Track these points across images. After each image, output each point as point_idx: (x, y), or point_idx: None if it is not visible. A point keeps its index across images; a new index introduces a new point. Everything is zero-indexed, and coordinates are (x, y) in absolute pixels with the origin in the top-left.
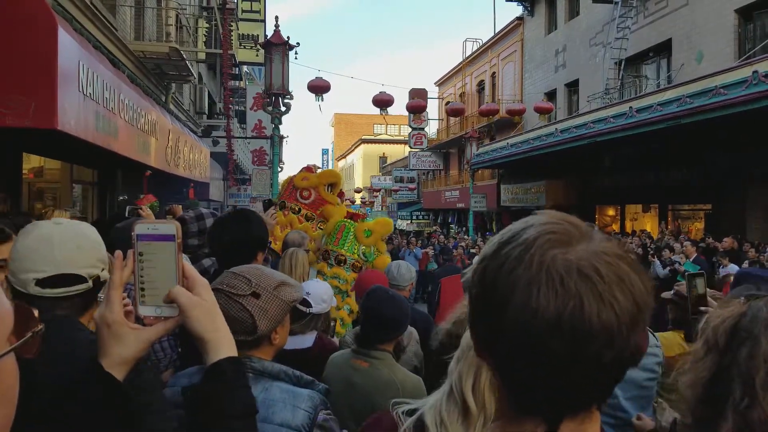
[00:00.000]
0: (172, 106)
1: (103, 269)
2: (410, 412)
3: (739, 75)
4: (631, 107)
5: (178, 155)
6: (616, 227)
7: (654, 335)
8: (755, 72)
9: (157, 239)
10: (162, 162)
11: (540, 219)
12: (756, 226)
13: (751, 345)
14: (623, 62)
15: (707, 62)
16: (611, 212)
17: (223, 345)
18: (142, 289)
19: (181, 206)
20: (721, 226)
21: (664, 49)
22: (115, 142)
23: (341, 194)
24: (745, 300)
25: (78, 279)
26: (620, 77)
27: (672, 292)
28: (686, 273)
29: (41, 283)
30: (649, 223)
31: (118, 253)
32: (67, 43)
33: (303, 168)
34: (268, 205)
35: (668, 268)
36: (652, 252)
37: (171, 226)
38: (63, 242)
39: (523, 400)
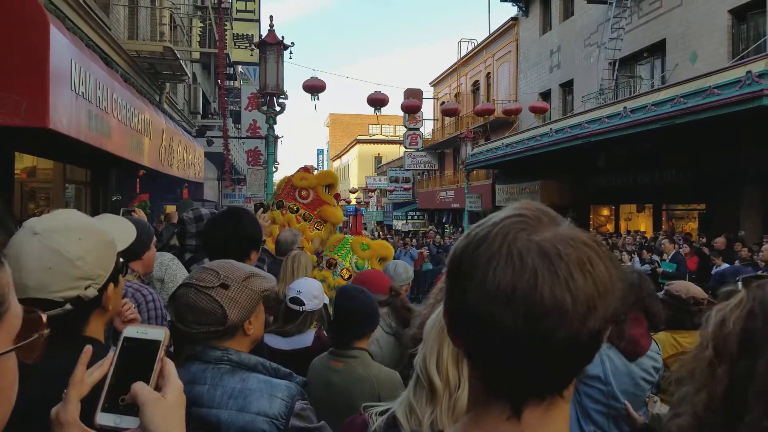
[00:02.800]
0: (166, 106)
1: (88, 287)
2: (383, 413)
3: (732, 75)
4: (625, 107)
5: (172, 155)
6: (610, 227)
7: (656, 342)
8: (749, 72)
9: (143, 344)
10: (156, 162)
11: (513, 205)
12: (749, 225)
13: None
14: (617, 62)
15: (701, 62)
16: (606, 212)
17: None
18: (109, 394)
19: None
20: (715, 226)
21: (658, 50)
22: (108, 142)
23: (337, 196)
24: (746, 291)
25: (52, 304)
26: (615, 77)
27: (662, 292)
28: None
29: None
30: (644, 223)
31: (88, 348)
32: (59, 42)
33: (300, 168)
34: (258, 207)
35: (646, 264)
36: (630, 251)
37: (160, 332)
38: (31, 264)
39: (488, 381)
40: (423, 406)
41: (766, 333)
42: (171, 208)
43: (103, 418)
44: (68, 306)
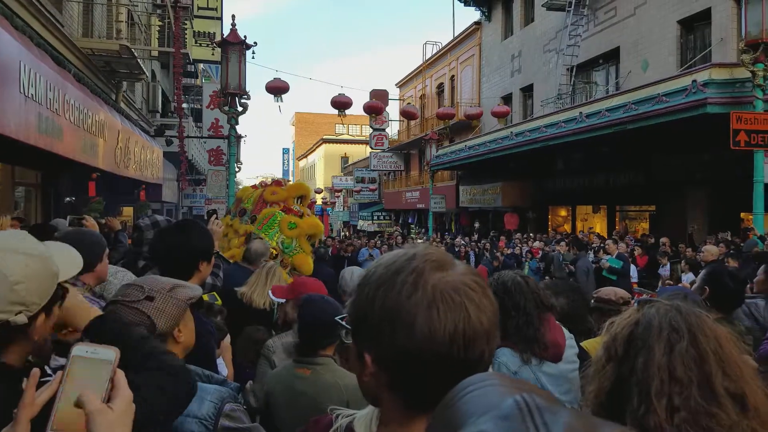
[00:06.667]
0: (123, 105)
1: (19, 313)
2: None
3: (679, 84)
4: (581, 112)
5: (128, 156)
6: (567, 227)
7: (564, 329)
8: (694, 81)
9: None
10: (111, 163)
11: (420, 250)
12: (695, 226)
13: (646, 354)
14: (575, 68)
15: (652, 70)
16: (563, 213)
17: None
18: (59, 411)
19: (117, 219)
20: (663, 226)
21: (612, 57)
22: (59, 144)
23: (311, 205)
24: (638, 307)
25: None
26: (572, 83)
27: (593, 300)
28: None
29: None
30: (599, 224)
31: (35, 370)
32: (6, 43)
33: (273, 182)
34: (210, 214)
35: (594, 264)
36: (589, 248)
37: (111, 353)
38: None
39: (412, 403)
40: None
41: (644, 338)
42: (128, 210)
43: None
44: None
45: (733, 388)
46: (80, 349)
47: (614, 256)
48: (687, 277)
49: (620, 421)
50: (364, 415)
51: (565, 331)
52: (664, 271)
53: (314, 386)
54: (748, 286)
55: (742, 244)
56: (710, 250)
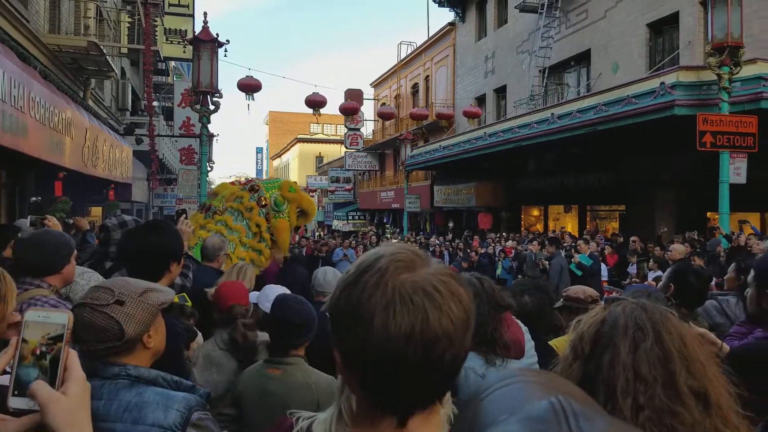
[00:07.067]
0: (91, 103)
1: None
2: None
3: (648, 86)
4: (552, 114)
5: (96, 155)
6: (540, 227)
7: (520, 323)
8: (662, 83)
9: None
10: (78, 162)
11: (389, 249)
12: (663, 227)
13: (611, 352)
14: (547, 70)
15: (622, 72)
16: (536, 212)
17: None
18: (18, 379)
19: (86, 219)
20: (633, 225)
21: (584, 59)
22: (24, 142)
23: None
24: (605, 305)
25: None
26: (544, 84)
27: (561, 299)
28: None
29: None
30: (570, 223)
31: None
32: None
33: (246, 181)
34: (180, 214)
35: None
36: (561, 246)
37: (63, 316)
38: None
39: (381, 402)
40: None
41: (611, 336)
42: (96, 210)
43: (15, 402)
44: None
45: (696, 386)
46: (32, 314)
47: (586, 255)
48: (652, 275)
49: None
50: (324, 419)
51: (521, 324)
52: (633, 269)
53: (285, 386)
54: (715, 281)
55: (707, 243)
56: (677, 249)
